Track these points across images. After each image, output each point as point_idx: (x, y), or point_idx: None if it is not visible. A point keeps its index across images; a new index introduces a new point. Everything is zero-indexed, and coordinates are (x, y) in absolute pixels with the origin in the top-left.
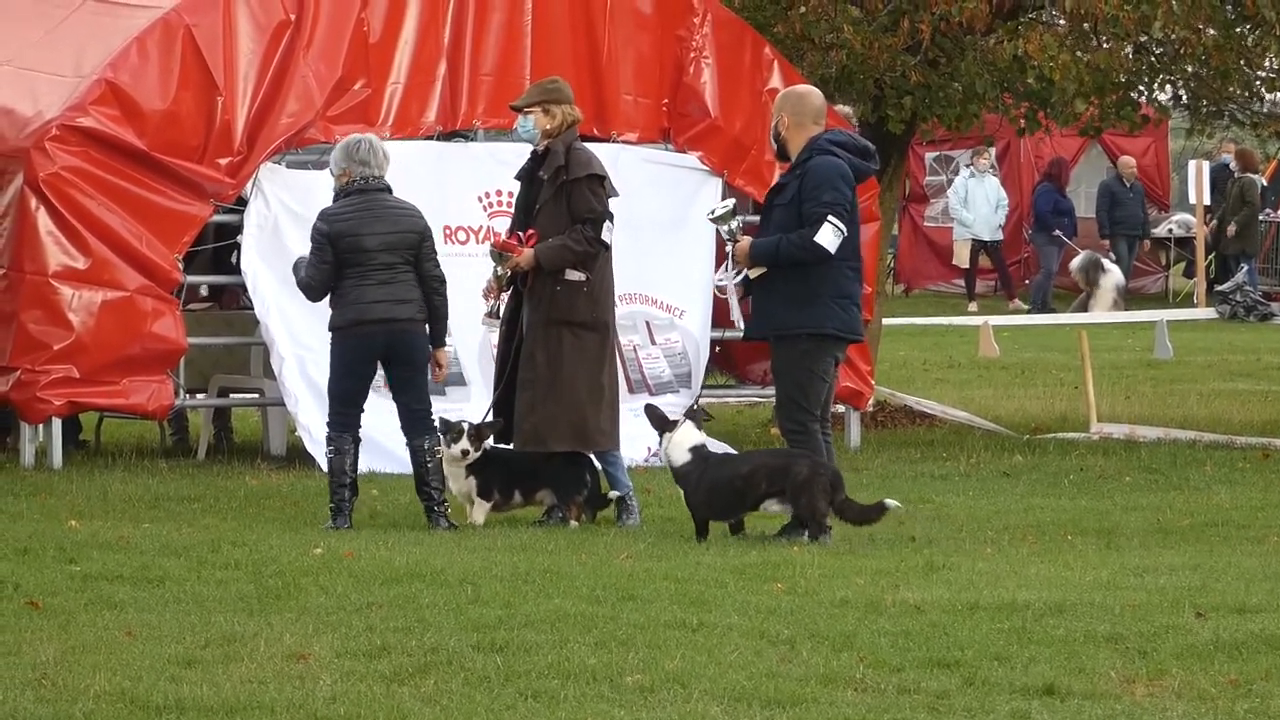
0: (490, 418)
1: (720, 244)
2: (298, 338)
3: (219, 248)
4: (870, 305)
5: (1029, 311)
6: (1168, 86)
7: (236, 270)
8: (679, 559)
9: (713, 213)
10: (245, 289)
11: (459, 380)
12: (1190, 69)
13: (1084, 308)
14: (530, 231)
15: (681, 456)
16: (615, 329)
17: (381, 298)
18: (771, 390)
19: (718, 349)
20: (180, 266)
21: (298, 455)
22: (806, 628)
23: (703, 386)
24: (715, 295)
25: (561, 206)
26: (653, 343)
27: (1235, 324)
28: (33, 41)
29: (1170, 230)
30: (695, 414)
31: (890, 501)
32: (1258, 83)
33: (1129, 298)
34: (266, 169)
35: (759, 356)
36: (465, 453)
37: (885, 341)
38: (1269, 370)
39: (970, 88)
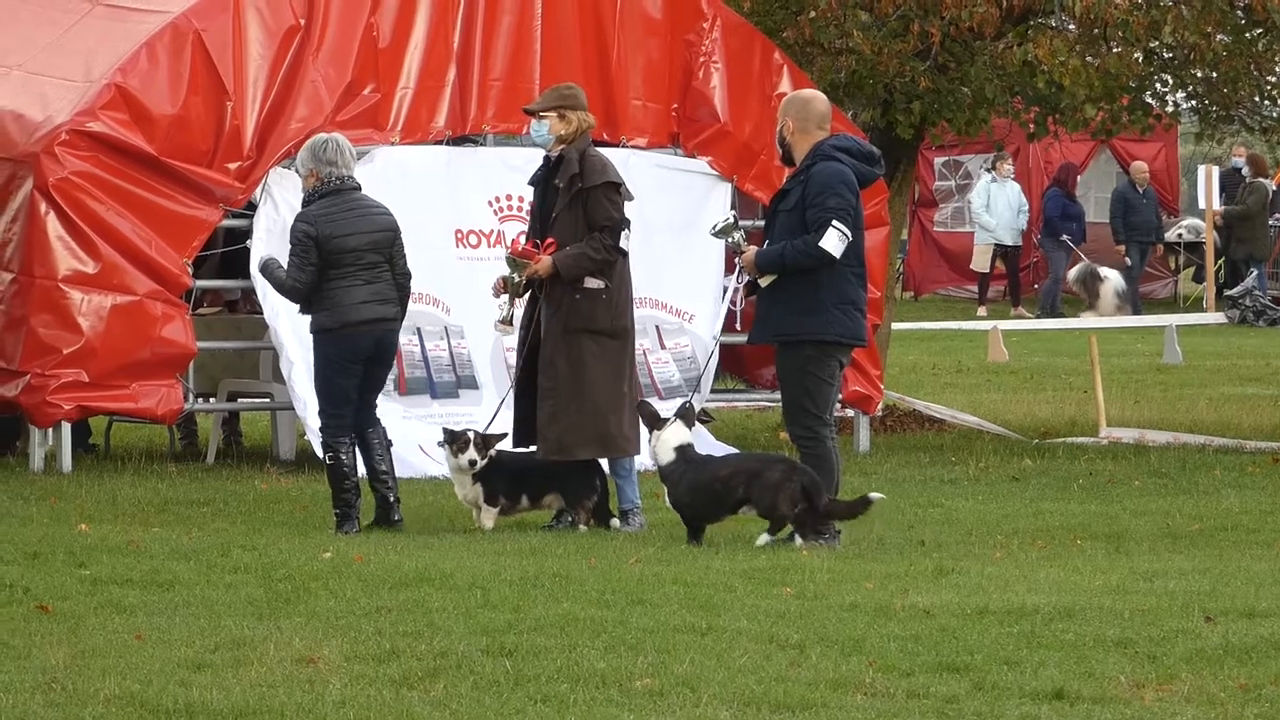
0: (498, 421)
1: (730, 251)
2: (306, 342)
3: (227, 252)
4: (879, 310)
5: (1038, 316)
6: (1179, 91)
7: (246, 274)
8: (688, 563)
9: (714, 227)
10: (255, 293)
11: (471, 383)
12: (1200, 74)
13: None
14: (549, 240)
15: (667, 455)
16: (634, 334)
17: (368, 298)
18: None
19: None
20: (190, 271)
21: (307, 459)
22: (816, 632)
23: (712, 390)
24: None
25: (577, 214)
26: (662, 347)
27: (1245, 328)
28: (42, 46)
29: (1180, 235)
30: (686, 413)
31: (875, 495)
32: (1268, 88)
33: (1140, 300)
34: (276, 174)
35: (768, 360)
36: (473, 463)
37: (894, 346)
38: (1279, 375)
39: (980, 93)
